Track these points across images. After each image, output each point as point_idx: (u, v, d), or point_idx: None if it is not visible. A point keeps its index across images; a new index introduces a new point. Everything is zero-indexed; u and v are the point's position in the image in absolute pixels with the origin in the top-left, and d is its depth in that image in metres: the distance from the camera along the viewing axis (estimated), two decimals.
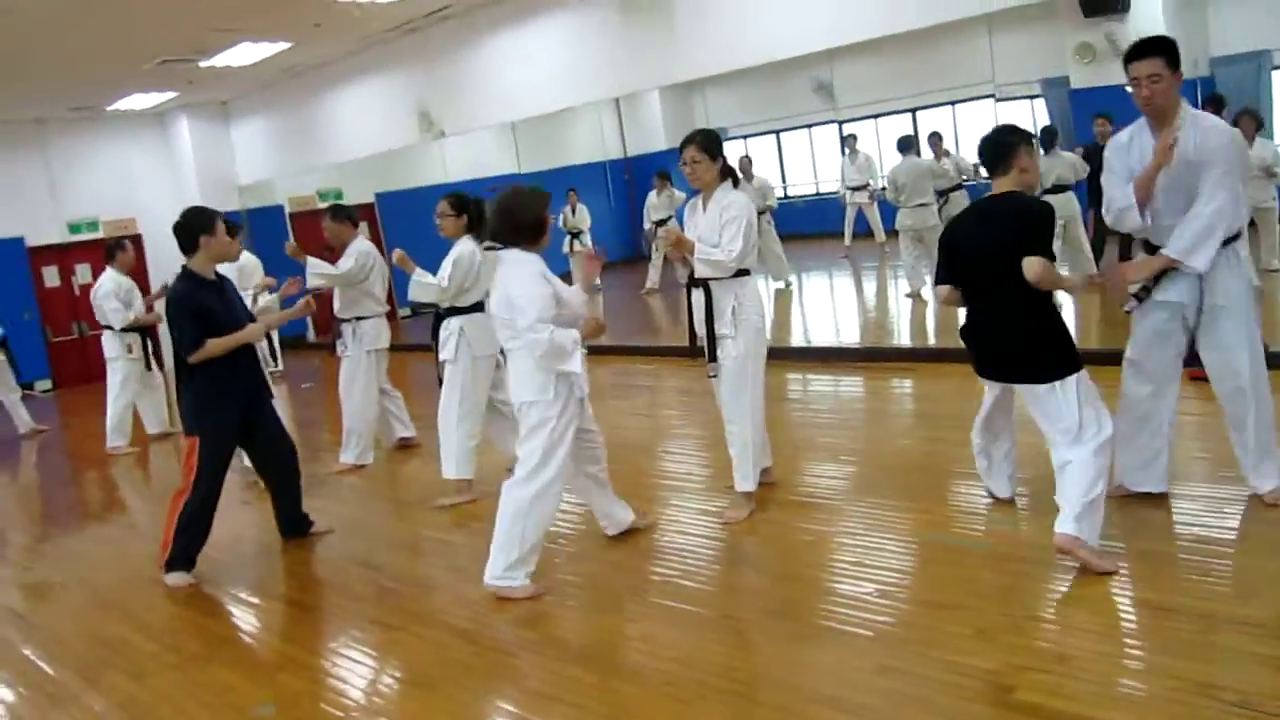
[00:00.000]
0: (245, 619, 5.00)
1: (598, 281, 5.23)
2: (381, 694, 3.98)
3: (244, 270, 8.57)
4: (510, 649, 4.13)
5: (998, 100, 15.72)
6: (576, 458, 4.70)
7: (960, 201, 11.04)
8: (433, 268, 6.08)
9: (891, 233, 12.47)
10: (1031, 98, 15.36)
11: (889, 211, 11.43)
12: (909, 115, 17.22)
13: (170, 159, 15.63)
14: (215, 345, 5.16)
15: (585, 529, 5.13)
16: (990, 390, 4.60)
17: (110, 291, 8.93)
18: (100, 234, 14.61)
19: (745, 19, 8.66)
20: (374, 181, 16.60)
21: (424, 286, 6.06)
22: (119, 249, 9.12)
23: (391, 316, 8.08)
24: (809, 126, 18.81)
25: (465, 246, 6.05)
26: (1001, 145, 4.30)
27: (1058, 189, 9.55)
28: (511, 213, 4.51)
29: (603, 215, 17.88)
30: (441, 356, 6.09)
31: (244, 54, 11.61)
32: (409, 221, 15.50)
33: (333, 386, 7.65)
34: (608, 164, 19.78)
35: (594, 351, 5.82)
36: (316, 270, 6.94)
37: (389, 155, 14.17)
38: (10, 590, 5.89)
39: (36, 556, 6.62)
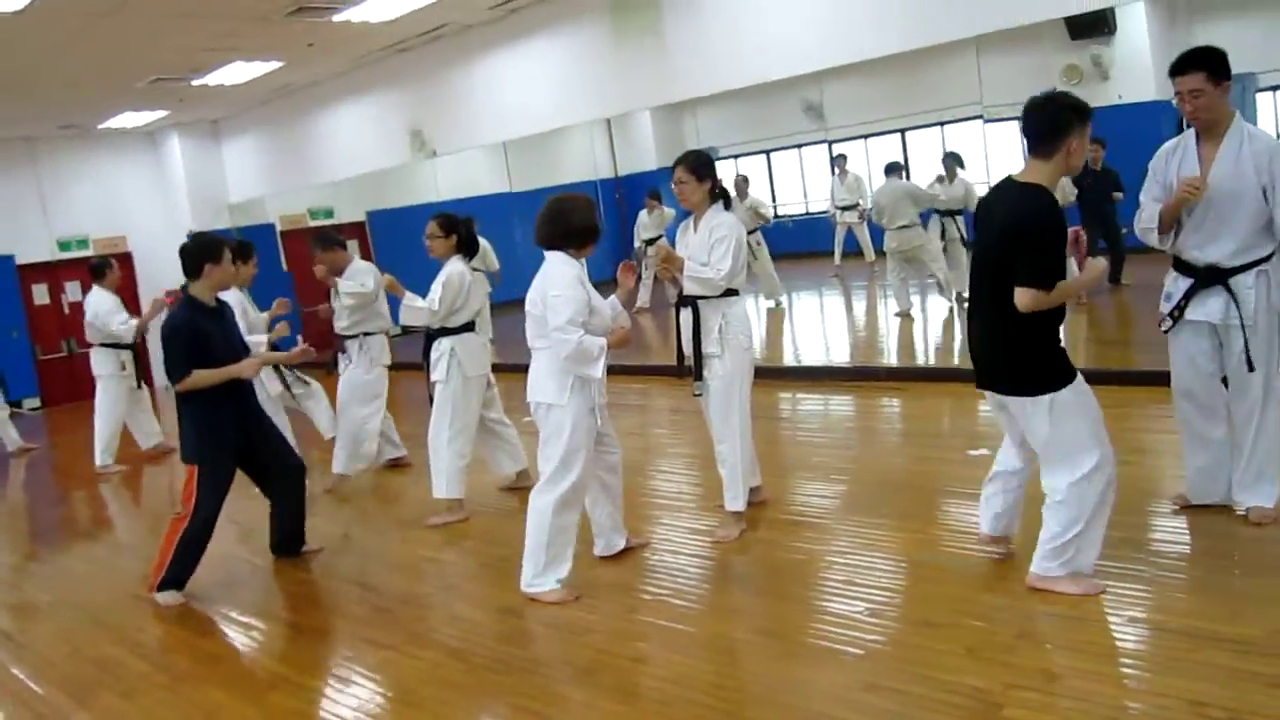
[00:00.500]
0: (236, 638, 4.99)
1: (644, 299, 5.29)
2: (371, 713, 3.97)
3: None
4: (501, 668, 4.13)
5: (986, 121, 15.83)
6: (594, 462, 4.73)
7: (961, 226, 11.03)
8: (425, 286, 6.07)
9: (881, 252, 12.52)
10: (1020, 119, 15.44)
11: (879, 231, 11.47)
12: (898, 136, 17.33)
13: (161, 177, 15.62)
14: (203, 377, 5.13)
15: (576, 547, 5.13)
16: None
17: (111, 308, 8.94)
18: (90, 251, 14.60)
19: (735, 41, 8.72)
20: (365, 200, 16.62)
21: (414, 311, 6.03)
22: (107, 268, 9.13)
23: None
24: (799, 146, 18.90)
25: (455, 267, 6.05)
26: (1056, 121, 3.65)
27: None
28: (565, 215, 4.59)
29: None
30: (433, 377, 6.09)
31: (236, 73, 11.62)
32: (401, 240, 15.53)
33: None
34: (599, 183, 19.83)
35: None
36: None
37: (381, 174, 14.19)
38: None
39: (25, 576, 6.59)
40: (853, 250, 15.72)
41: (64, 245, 14.75)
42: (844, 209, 15.53)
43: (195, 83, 11.81)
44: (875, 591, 4.31)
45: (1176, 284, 4.40)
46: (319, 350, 6.53)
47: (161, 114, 13.86)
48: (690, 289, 5.04)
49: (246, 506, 6.11)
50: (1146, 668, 3.43)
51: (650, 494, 6.23)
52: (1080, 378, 3.86)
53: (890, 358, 9.64)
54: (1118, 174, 10.52)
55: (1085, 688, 3.30)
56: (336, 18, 9.59)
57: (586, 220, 4.62)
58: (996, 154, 14.35)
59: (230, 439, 5.29)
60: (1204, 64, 4.13)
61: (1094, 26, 12.65)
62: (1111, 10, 12.25)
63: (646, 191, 15.08)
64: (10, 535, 7.88)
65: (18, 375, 12.93)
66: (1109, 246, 10.47)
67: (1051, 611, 3.88)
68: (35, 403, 14.31)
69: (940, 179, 11.33)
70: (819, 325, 12.42)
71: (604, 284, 4.99)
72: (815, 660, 3.80)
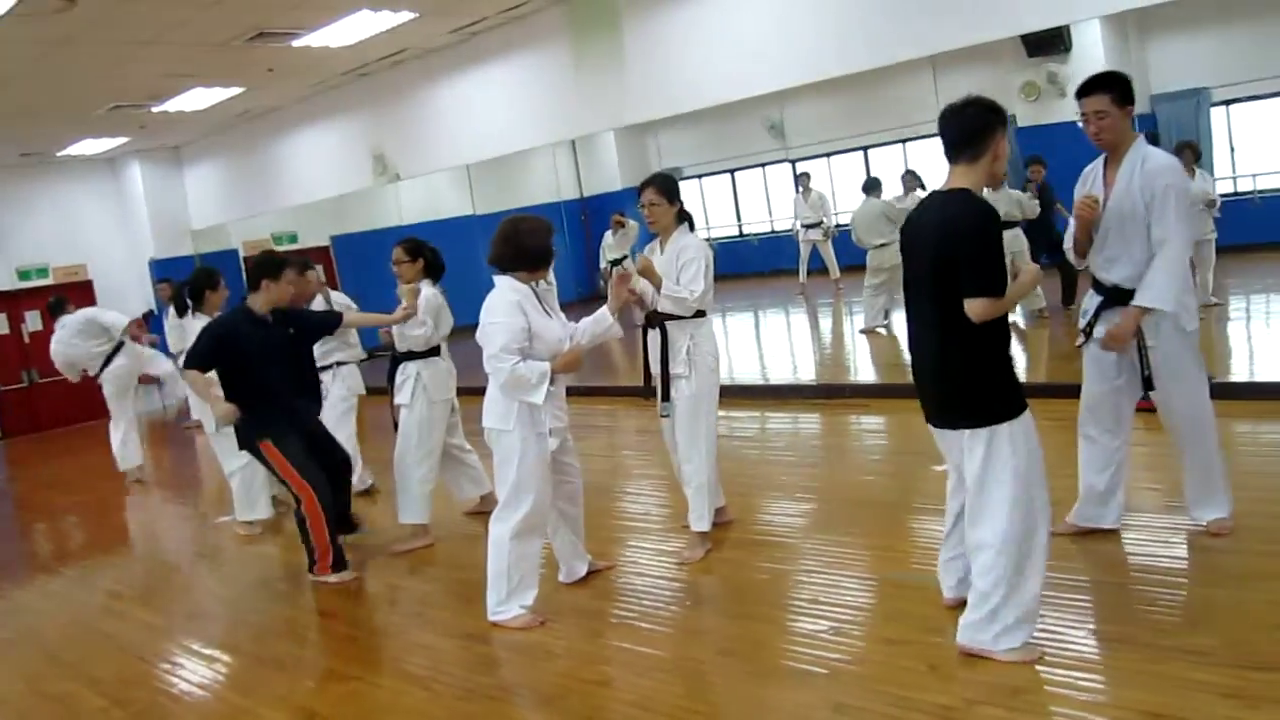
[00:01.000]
0: (197, 671, 4.91)
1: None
2: None
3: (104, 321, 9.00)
4: (467, 696, 4.09)
5: None
6: (554, 489, 4.70)
7: None
8: (389, 308, 5.99)
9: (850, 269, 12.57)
10: None
11: (844, 249, 11.53)
12: (860, 153, 17.48)
13: (122, 204, 15.50)
14: (194, 379, 5.42)
15: (541, 573, 5.11)
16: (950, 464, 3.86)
17: (91, 313, 9.18)
18: (50, 281, 14.44)
19: (694, 63, 8.79)
20: (329, 224, 16.57)
21: (411, 338, 5.96)
22: (67, 302, 9.16)
23: None
24: (763, 165, 19.02)
25: (426, 291, 5.99)
26: (976, 123, 3.47)
27: (1005, 225, 9.61)
28: (519, 236, 4.53)
29: (559, 255, 17.77)
30: (397, 401, 6.05)
31: (196, 99, 11.57)
32: (364, 264, 15.47)
33: None
34: (563, 205, 19.85)
35: None
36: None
37: (344, 198, 14.16)
38: None
39: None
40: (817, 268, 15.82)
41: (24, 274, 14.58)
42: (808, 227, 15.62)
43: (155, 109, 11.74)
44: (841, 610, 4.32)
45: (1091, 301, 4.47)
46: None
47: (122, 140, 13.76)
48: (665, 307, 5.04)
49: (212, 536, 6.04)
50: (1108, 680, 3.45)
51: (617, 516, 6.21)
52: (1028, 413, 3.54)
53: (858, 375, 9.68)
54: (1053, 190, 10.49)
55: (1047, 701, 3.32)
56: (296, 43, 9.57)
57: (540, 243, 4.56)
58: None
59: (283, 409, 5.47)
60: (1110, 87, 4.19)
61: (1050, 44, 12.84)
62: (1067, 28, 12.44)
63: (612, 213, 15.09)
64: None
65: None
66: (1058, 266, 10.24)
67: None
68: None
69: (898, 198, 11.46)
70: (785, 343, 12.46)
71: (570, 305, 4.98)
72: (782, 681, 3.80)
